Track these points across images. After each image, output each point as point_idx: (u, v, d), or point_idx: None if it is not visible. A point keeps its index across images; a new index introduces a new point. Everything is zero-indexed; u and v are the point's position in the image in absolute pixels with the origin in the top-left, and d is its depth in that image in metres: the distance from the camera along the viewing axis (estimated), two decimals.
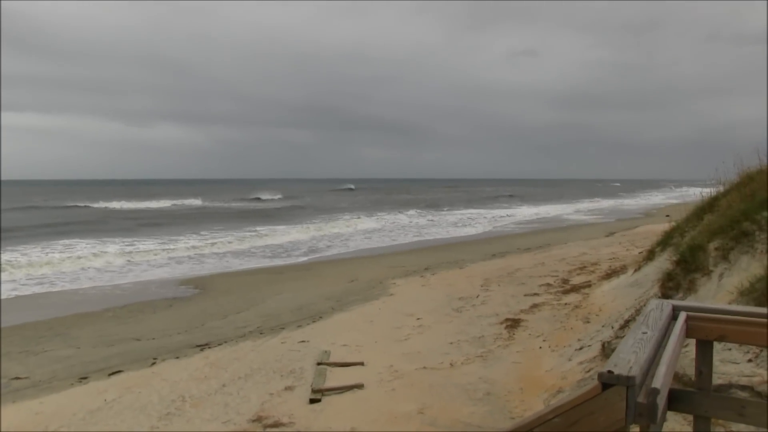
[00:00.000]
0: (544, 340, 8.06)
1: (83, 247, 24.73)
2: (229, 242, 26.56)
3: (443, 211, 51.16)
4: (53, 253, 22.70)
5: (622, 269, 11.57)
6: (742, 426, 2.98)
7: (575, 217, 41.23)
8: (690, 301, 4.51)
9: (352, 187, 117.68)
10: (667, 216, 15.83)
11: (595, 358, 6.21)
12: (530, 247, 20.81)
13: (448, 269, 16.10)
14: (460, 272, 15.31)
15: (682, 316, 2.26)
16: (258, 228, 33.31)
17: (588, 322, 8.22)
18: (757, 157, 7.95)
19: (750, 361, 3.75)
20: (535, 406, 5.71)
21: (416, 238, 28.74)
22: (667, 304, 2.37)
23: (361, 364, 7.78)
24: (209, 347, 9.45)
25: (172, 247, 24.79)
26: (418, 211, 49.85)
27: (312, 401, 6.55)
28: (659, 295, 6.33)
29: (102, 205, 59.38)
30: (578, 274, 13.24)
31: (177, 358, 8.96)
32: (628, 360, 1.66)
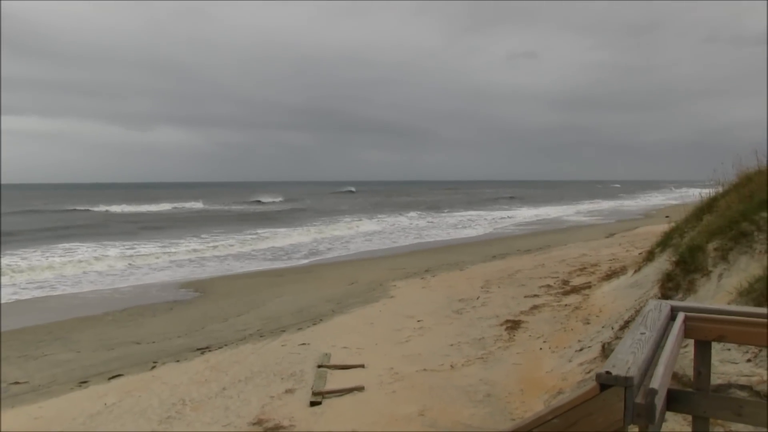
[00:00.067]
0: (544, 342, 8.06)
1: (84, 250, 24.75)
2: (230, 245, 26.56)
3: (443, 212, 51.17)
4: (53, 257, 22.70)
5: (622, 270, 11.57)
6: (741, 426, 2.98)
7: (575, 219, 41.23)
8: (688, 302, 4.52)
9: (353, 189, 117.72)
10: (667, 217, 15.84)
11: (595, 359, 6.21)
12: (530, 249, 20.80)
13: (448, 271, 16.10)
14: (461, 274, 15.31)
15: (681, 316, 2.26)
16: (258, 231, 33.33)
17: (588, 323, 8.22)
18: (755, 158, 7.97)
19: (749, 361, 3.75)
20: (536, 408, 5.70)
21: (416, 240, 28.75)
22: (666, 305, 2.38)
23: (362, 366, 7.77)
24: (210, 350, 9.44)
25: (173, 250, 24.80)
26: (419, 213, 49.88)
27: (312, 404, 6.55)
28: (659, 295, 6.33)
29: (102, 208, 59.41)
30: (578, 276, 13.24)
31: (177, 361, 8.95)
32: (626, 361, 1.67)
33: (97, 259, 22.12)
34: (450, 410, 6.05)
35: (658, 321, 2.15)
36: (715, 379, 3.64)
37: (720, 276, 5.68)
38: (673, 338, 2.03)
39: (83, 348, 10.37)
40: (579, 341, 7.40)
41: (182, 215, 51.33)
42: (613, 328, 6.93)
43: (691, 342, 2.33)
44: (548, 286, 12.30)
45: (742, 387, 3.56)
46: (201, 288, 16.35)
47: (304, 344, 9.08)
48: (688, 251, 6.36)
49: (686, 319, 2.26)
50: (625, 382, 1.53)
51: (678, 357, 2.88)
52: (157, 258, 22.67)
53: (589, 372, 5.89)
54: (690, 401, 2.22)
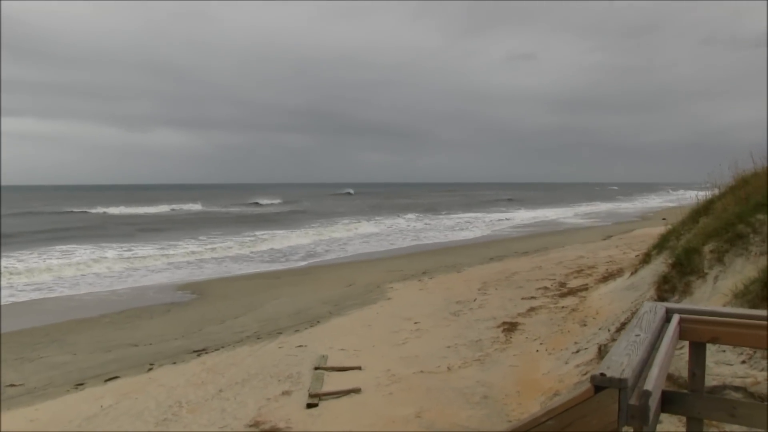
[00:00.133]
0: (541, 344, 8.07)
1: (81, 252, 24.72)
2: (228, 247, 26.55)
3: (441, 215, 51.19)
4: (51, 259, 22.67)
5: (619, 272, 11.59)
6: (735, 427, 2.99)
7: (573, 221, 41.29)
8: (683, 304, 4.53)
9: (351, 191, 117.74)
10: (664, 219, 15.88)
11: (591, 361, 6.22)
12: (528, 251, 20.83)
13: (445, 273, 16.10)
14: (458, 276, 15.32)
15: (676, 318, 2.27)
16: (256, 233, 33.32)
17: (585, 325, 8.23)
18: (751, 160, 7.99)
19: (744, 362, 3.76)
20: (533, 410, 5.71)
21: (414, 242, 28.77)
22: (661, 307, 2.38)
23: (359, 368, 7.77)
24: (206, 352, 9.43)
25: (170, 252, 24.78)
26: (417, 215, 49.88)
27: (309, 406, 6.54)
28: (655, 297, 6.34)
29: (101, 210, 59.31)
30: (575, 278, 13.25)
31: (174, 363, 8.94)
32: (620, 362, 1.67)
33: (94, 261, 22.10)
34: (447, 412, 6.05)
35: (653, 323, 2.15)
36: (711, 381, 3.65)
37: (716, 278, 5.69)
38: (667, 340, 2.04)
39: (80, 350, 10.35)
40: (576, 343, 7.41)
41: (180, 217, 51.27)
42: (609, 330, 6.94)
43: (687, 344, 2.34)
44: (545, 288, 12.31)
45: (736, 388, 3.57)
46: (198, 290, 16.34)
47: (301, 346, 9.08)
48: (684, 253, 6.37)
49: (681, 321, 2.27)
50: (619, 384, 1.53)
51: (674, 359, 2.89)
52: (155, 260, 22.65)
53: (585, 374, 5.90)
54: (684, 402, 2.23)
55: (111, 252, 24.84)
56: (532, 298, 11.36)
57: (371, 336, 9.45)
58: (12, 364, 9.55)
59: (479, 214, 50.14)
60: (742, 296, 4.57)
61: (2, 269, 19.25)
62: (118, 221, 46.24)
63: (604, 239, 23.56)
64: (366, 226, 37.74)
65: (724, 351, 3.88)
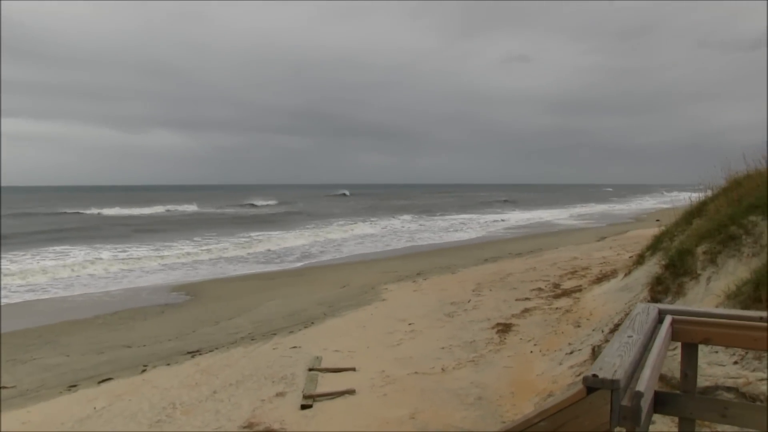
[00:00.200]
0: (535, 345, 8.08)
1: (76, 254, 24.62)
2: (223, 248, 26.49)
3: (436, 216, 51.23)
4: (45, 260, 22.56)
5: (613, 273, 11.62)
6: (726, 427, 3.00)
7: (567, 222, 41.39)
8: (676, 305, 4.55)
9: (347, 193, 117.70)
10: (657, 221, 15.94)
11: (585, 362, 6.23)
12: (522, 252, 20.86)
13: (440, 274, 16.12)
14: (453, 277, 15.33)
15: (668, 319, 2.28)
16: (252, 234, 33.27)
17: (579, 326, 8.24)
18: (744, 162, 8.04)
19: (736, 363, 3.78)
20: (527, 410, 5.70)
21: (409, 244, 28.77)
22: (654, 308, 2.39)
23: (353, 369, 7.77)
24: (200, 354, 9.41)
25: (166, 253, 24.71)
26: (412, 216, 49.91)
27: (303, 407, 6.54)
28: (649, 298, 6.36)
29: (96, 211, 59.09)
30: (569, 279, 13.28)
31: (168, 365, 8.91)
32: (612, 364, 1.68)
33: (89, 262, 22.01)
34: (441, 413, 6.06)
35: (645, 324, 2.16)
36: (703, 381, 3.67)
37: (708, 279, 5.72)
38: (660, 341, 2.05)
39: (73, 352, 10.30)
40: (569, 344, 7.43)
41: (175, 218, 51.13)
42: (603, 331, 6.96)
43: (680, 345, 2.35)
44: (539, 289, 12.34)
45: (728, 389, 3.59)
46: (193, 291, 16.29)
47: (295, 347, 9.07)
48: (677, 255, 6.40)
49: (673, 322, 2.28)
50: (611, 385, 1.54)
51: (667, 359, 2.90)
52: (150, 261, 22.58)
53: (579, 375, 5.91)
54: (676, 403, 2.24)
55: (105, 253, 24.75)
56: (527, 299, 11.38)
57: (366, 337, 9.45)
58: (4, 366, 9.50)
59: (474, 216, 50.19)
60: (735, 297, 4.59)
61: None
62: (113, 222, 46.07)
63: (598, 240, 23.63)
64: (361, 228, 37.74)
65: (716, 352, 3.90)
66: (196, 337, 10.89)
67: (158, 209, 61.55)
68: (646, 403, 1.67)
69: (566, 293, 11.37)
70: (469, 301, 11.67)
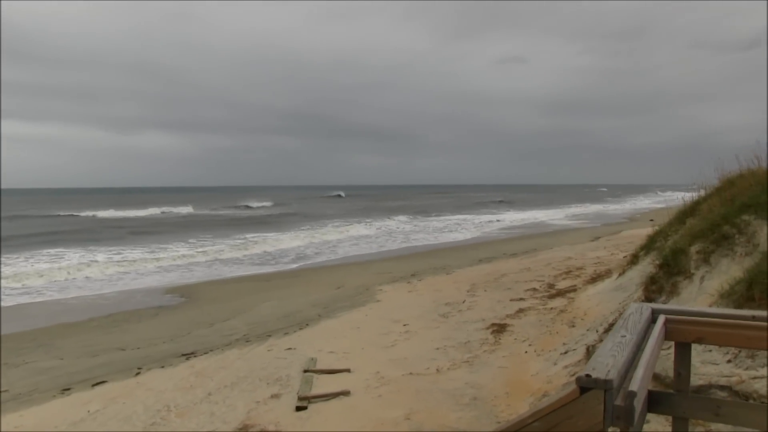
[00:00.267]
0: (530, 345, 8.09)
1: (70, 256, 24.53)
2: (218, 250, 26.43)
3: (431, 217, 51.28)
4: (39, 263, 22.47)
5: (607, 273, 11.65)
6: (721, 425, 3.01)
7: (562, 222, 41.49)
8: (669, 305, 4.56)
9: (342, 194, 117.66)
10: (651, 220, 16.00)
11: (579, 361, 6.24)
12: (517, 252, 20.89)
13: (435, 275, 16.12)
14: (447, 278, 15.34)
15: (661, 319, 2.28)
16: (247, 235, 33.21)
17: (573, 326, 8.26)
18: (737, 162, 8.08)
19: (729, 361, 3.80)
20: (522, 411, 5.71)
21: (404, 244, 28.78)
22: (647, 308, 2.40)
23: (348, 370, 7.75)
24: (195, 356, 9.38)
25: (160, 255, 24.65)
26: (407, 217, 49.92)
27: (298, 409, 6.52)
28: (643, 298, 6.38)
29: (90, 213, 58.85)
30: (564, 279, 13.31)
31: (162, 367, 8.88)
32: (606, 364, 1.68)
33: (84, 264, 21.93)
34: (436, 414, 6.05)
35: (638, 324, 2.17)
36: (697, 380, 3.68)
37: (702, 278, 5.74)
38: (653, 341, 2.05)
39: (67, 355, 10.25)
40: (564, 344, 7.44)
41: (170, 220, 51.01)
42: (597, 331, 6.97)
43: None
44: (534, 289, 12.35)
45: (722, 387, 3.60)
46: (187, 293, 16.24)
47: (290, 349, 9.05)
48: (671, 254, 6.42)
49: (667, 322, 2.28)
50: (604, 385, 1.54)
51: (661, 359, 2.91)
52: (145, 263, 22.51)
53: (573, 374, 5.92)
54: (670, 403, 2.25)
55: (100, 255, 24.67)
56: (521, 299, 11.40)
57: (360, 338, 9.43)
58: None
59: (469, 216, 50.26)
60: (728, 296, 4.60)
61: None
62: (107, 224, 45.88)
63: (593, 240, 23.70)
64: (356, 229, 37.72)
65: (710, 350, 3.91)
66: (190, 339, 10.86)
67: (153, 211, 61.39)
68: (639, 403, 1.67)
69: (561, 293, 11.39)
70: (463, 302, 11.68)
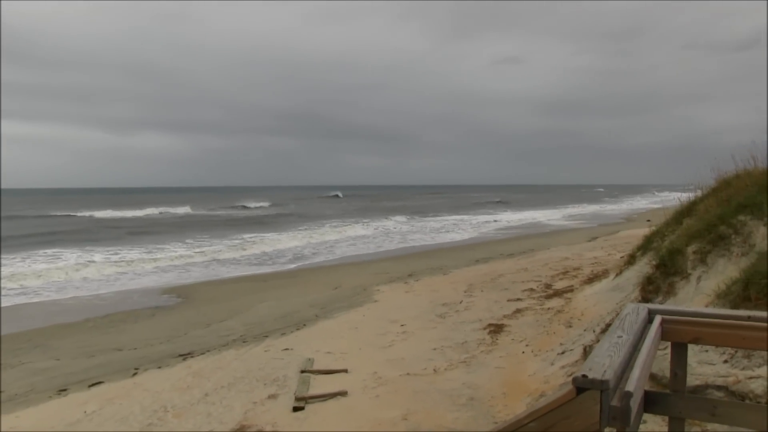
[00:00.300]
0: (527, 345, 8.10)
1: (68, 256, 24.48)
2: (216, 250, 26.40)
3: (429, 217, 51.29)
4: (36, 264, 22.40)
5: (604, 274, 11.67)
6: (717, 425, 3.02)
7: (559, 223, 41.53)
8: (665, 305, 4.57)
9: (339, 194, 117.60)
10: (648, 221, 16.03)
11: (577, 362, 6.25)
12: (514, 253, 20.91)
13: (432, 275, 16.12)
14: (444, 278, 15.34)
15: (658, 319, 2.29)
16: (244, 236, 33.18)
17: (570, 326, 8.27)
18: (733, 162, 8.11)
19: (726, 362, 3.80)
20: (519, 411, 5.71)
21: (401, 245, 28.77)
22: (643, 308, 2.40)
23: (345, 371, 7.75)
24: (192, 356, 9.36)
25: (158, 255, 24.60)
26: (404, 217, 49.92)
27: (295, 409, 6.52)
28: (640, 298, 6.39)
29: (87, 214, 58.72)
30: (561, 279, 13.33)
31: (159, 368, 8.86)
32: (602, 364, 1.68)
33: (81, 264, 21.89)
34: (433, 414, 6.06)
35: (635, 324, 2.17)
36: (694, 380, 3.69)
37: (699, 279, 5.75)
38: (649, 341, 2.05)
39: (63, 355, 10.23)
40: (561, 344, 7.45)
41: (167, 220, 50.92)
42: (594, 331, 6.98)
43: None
44: (531, 289, 12.37)
45: (718, 387, 3.61)
46: (184, 293, 16.21)
47: (287, 349, 9.04)
48: (668, 254, 6.43)
49: (663, 322, 2.29)
50: (600, 386, 1.54)
51: (658, 359, 2.92)
52: (143, 263, 22.46)
53: (570, 375, 5.91)
54: (666, 403, 2.25)
55: (98, 256, 24.61)
56: (518, 299, 11.40)
57: (358, 339, 9.43)
58: None
59: (466, 216, 50.29)
60: (725, 296, 4.62)
61: None
62: (105, 225, 45.78)
63: (590, 241, 23.73)
64: (353, 229, 37.71)
65: (706, 351, 3.92)
66: (187, 339, 10.84)
67: (151, 211, 61.30)
68: (635, 403, 1.67)
69: (558, 293, 11.41)
70: (460, 302, 11.68)
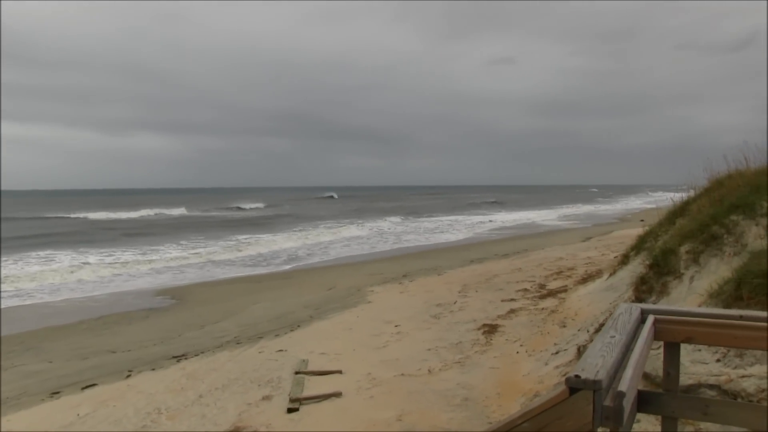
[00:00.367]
0: (521, 345, 8.11)
1: (62, 258, 24.38)
2: (210, 252, 26.34)
3: (423, 217, 51.33)
4: (29, 266, 22.28)
5: (598, 274, 11.70)
6: (710, 424, 3.03)
7: (553, 223, 41.63)
8: (658, 305, 4.58)
9: (334, 195, 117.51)
10: (642, 221, 16.08)
11: (571, 362, 6.26)
12: (508, 253, 20.93)
13: (426, 276, 16.12)
14: (439, 279, 15.35)
15: (650, 319, 2.30)
16: (239, 237, 33.14)
17: (564, 326, 8.28)
18: (725, 162, 8.15)
19: (718, 361, 3.82)
20: (513, 411, 5.71)
21: (396, 246, 28.77)
22: (636, 308, 2.41)
23: (340, 372, 7.74)
24: (186, 358, 9.33)
25: (153, 257, 24.53)
26: (399, 218, 49.95)
27: (290, 410, 6.50)
28: (633, 298, 6.41)
29: (82, 215, 58.47)
30: (555, 279, 13.35)
31: (153, 369, 8.83)
32: (595, 364, 1.68)
33: (75, 266, 21.79)
34: (428, 415, 6.05)
35: (628, 324, 2.18)
36: (687, 380, 3.70)
37: (691, 278, 5.77)
38: (642, 341, 2.06)
39: (56, 358, 10.17)
40: (555, 344, 7.46)
41: (163, 222, 50.77)
42: (588, 331, 7.00)
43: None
44: (525, 290, 12.38)
45: (711, 386, 3.62)
46: (178, 295, 16.16)
47: (281, 351, 9.02)
48: (661, 254, 6.45)
49: (656, 322, 2.29)
50: (593, 386, 1.55)
51: (651, 358, 2.93)
52: (137, 265, 22.38)
53: (565, 375, 5.91)
54: (659, 402, 2.26)
55: (92, 257, 24.52)
56: (512, 300, 11.42)
57: (352, 340, 9.42)
58: None
59: (461, 217, 50.36)
60: (717, 296, 4.63)
61: None
62: (100, 226, 45.60)
63: (584, 241, 23.79)
64: (348, 230, 37.70)
65: (699, 350, 3.93)
66: (181, 341, 10.80)
67: (145, 213, 61.12)
68: (628, 403, 1.68)
69: (552, 294, 11.43)
70: (455, 303, 11.68)
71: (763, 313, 2.25)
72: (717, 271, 5.42)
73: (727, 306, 4.31)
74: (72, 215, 58.77)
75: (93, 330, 12.36)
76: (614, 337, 2.00)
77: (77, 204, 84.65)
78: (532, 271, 15.10)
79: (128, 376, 8.61)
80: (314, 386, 7.22)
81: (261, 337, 10.23)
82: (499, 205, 76.36)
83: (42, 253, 25.92)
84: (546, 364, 6.87)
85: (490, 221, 44.44)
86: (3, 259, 23.89)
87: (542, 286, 12.58)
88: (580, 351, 6.20)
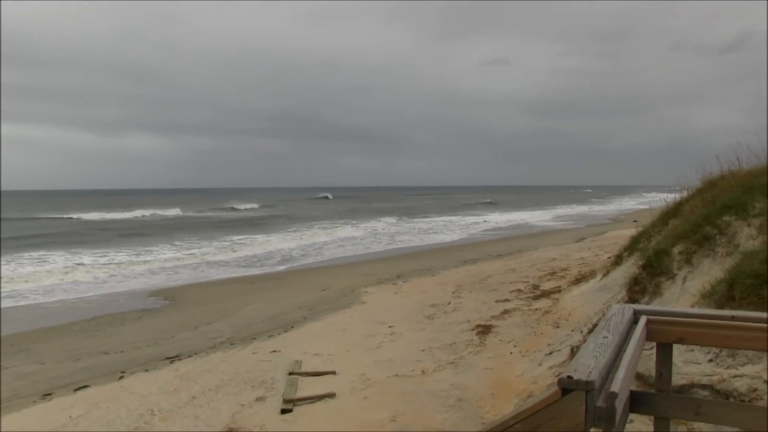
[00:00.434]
0: (514, 346, 8.11)
1: (56, 259, 24.25)
2: (204, 252, 26.27)
3: (418, 218, 51.35)
4: (22, 267, 22.14)
5: (591, 274, 11.73)
6: (702, 424, 3.04)
7: (547, 224, 41.73)
8: (651, 305, 4.60)
9: (329, 196, 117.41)
10: (635, 221, 16.13)
11: (564, 362, 6.27)
12: (502, 254, 20.96)
13: (420, 276, 16.12)
14: (432, 279, 15.35)
15: (643, 319, 2.30)
16: (233, 237, 33.07)
17: (558, 327, 8.30)
18: (718, 163, 8.19)
19: (711, 361, 3.83)
20: (507, 411, 5.72)
21: (390, 246, 28.77)
22: (629, 309, 2.41)
23: (333, 373, 7.73)
24: (179, 359, 9.29)
25: (147, 258, 24.43)
26: (394, 218, 49.94)
27: (284, 411, 6.48)
28: (626, 299, 6.43)
29: (76, 216, 58.17)
30: (548, 280, 13.38)
31: (146, 371, 8.78)
32: (587, 365, 1.69)
33: (68, 267, 21.68)
34: (422, 415, 6.05)
35: (620, 324, 2.18)
36: (680, 380, 3.71)
37: (684, 279, 5.80)
38: (635, 341, 2.07)
39: (48, 359, 10.11)
40: (549, 345, 7.47)
41: (157, 222, 50.59)
42: (582, 332, 7.01)
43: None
44: (519, 290, 12.40)
45: (704, 386, 3.63)
46: (172, 296, 16.10)
47: (275, 351, 9.00)
48: (654, 255, 6.47)
49: (648, 322, 2.30)
50: (586, 386, 1.55)
51: (644, 359, 2.93)
52: (131, 266, 22.30)
53: (558, 375, 5.93)
54: (651, 402, 2.26)
55: (86, 258, 24.40)
56: (506, 300, 11.43)
57: (346, 340, 9.41)
58: None
59: (455, 218, 50.42)
60: (709, 296, 4.65)
61: None
62: (94, 227, 45.37)
63: (577, 241, 23.85)
64: (343, 230, 37.68)
65: (692, 350, 3.95)
66: (175, 342, 10.76)
67: (140, 213, 60.87)
68: (621, 404, 1.68)
69: (545, 294, 11.45)
70: (449, 303, 11.69)
71: (755, 314, 2.26)
72: (709, 271, 5.44)
73: (720, 306, 4.32)
74: (66, 216, 58.48)
75: (86, 331, 12.29)
76: (607, 337, 2.00)
77: (72, 204, 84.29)
78: (526, 271, 15.13)
79: (121, 377, 8.56)
80: (308, 387, 7.20)
81: (255, 338, 10.21)
82: (494, 205, 76.48)
83: (35, 254, 25.77)
84: (540, 364, 6.88)
85: (485, 222, 44.52)
86: None
87: (536, 287, 12.60)
88: (574, 351, 6.22)
